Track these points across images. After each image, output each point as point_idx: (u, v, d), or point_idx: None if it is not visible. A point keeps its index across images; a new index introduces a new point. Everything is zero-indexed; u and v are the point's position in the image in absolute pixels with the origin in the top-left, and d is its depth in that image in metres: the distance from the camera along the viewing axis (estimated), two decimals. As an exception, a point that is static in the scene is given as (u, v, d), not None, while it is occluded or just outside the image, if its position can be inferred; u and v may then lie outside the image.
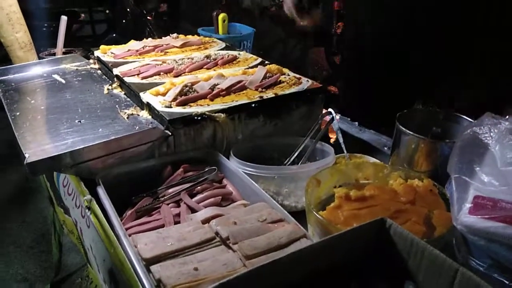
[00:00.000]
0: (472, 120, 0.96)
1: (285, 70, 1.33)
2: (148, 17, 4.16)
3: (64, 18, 1.63)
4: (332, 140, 1.23)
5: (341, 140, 1.08)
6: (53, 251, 1.94)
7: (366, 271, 0.65)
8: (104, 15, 4.69)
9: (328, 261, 0.63)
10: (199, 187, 0.95)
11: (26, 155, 0.92)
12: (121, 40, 1.71)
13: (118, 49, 1.55)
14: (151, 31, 3.94)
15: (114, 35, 4.04)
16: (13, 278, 2.16)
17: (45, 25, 3.58)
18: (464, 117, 1.01)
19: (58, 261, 1.98)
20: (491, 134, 0.77)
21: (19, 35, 1.63)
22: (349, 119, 1.44)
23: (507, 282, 0.65)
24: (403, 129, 0.97)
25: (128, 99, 1.24)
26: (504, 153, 0.73)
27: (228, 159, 1.03)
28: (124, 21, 4.06)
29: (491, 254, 0.67)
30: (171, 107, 1.08)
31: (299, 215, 0.86)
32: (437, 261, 0.59)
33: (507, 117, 0.81)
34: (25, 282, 2.14)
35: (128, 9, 4.03)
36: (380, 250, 0.66)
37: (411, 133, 0.96)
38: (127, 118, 1.10)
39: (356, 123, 1.42)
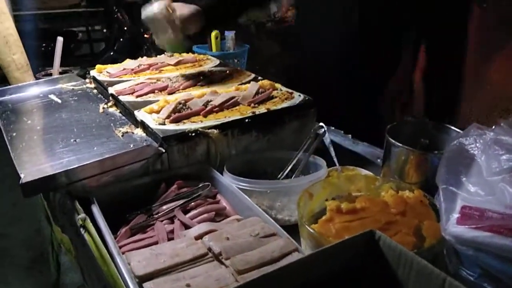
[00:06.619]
0: (460, 131, 0.97)
1: (277, 85, 1.35)
2: (146, 35, 4.21)
3: (60, 39, 1.66)
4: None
5: (332, 153, 1.09)
6: (51, 270, 1.93)
7: (356, 283, 0.66)
8: (101, 34, 4.75)
9: (318, 274, 0.64)
10: (193, 203, 0.96)
11: (22, 175, 0.93)
12: (119, 58, 1.74)
13: (113, 68, 1.57)
14: (148, 49, 3.99)
15: (112, 53, 4.08)
16: (11, 298, 2.15)
17: (43, 45, 3.62)
18: (452, 128, 1.02)
19: (56, 281, 1.97)
20: (477, 144, 0.78)
21: (16, 57, 1.66)
22: (342, 132, 1.45)
23: (496, 291, 0.66)
24: (393, 141, 0.98)
25: (123, 117, 1.26)
26: (489, 163, 0.74)
27: (222, 174, 1.04)
28: (121, 39, 4.11)
29: (480, 263, 0.68)
30: (164, 124, 1.09)
31: (293, 229, 0.86)
32: (424, 271, 0.60)
33: (493, 127, 0.82)
34: (23, 303, 2.13)
35: (125, 28, 4.08)
36: (370, 262, 0.67)
37: (400, 145, 0.97)
38: (122, 136, 1.12)
39: (350, 135, 1.43)
